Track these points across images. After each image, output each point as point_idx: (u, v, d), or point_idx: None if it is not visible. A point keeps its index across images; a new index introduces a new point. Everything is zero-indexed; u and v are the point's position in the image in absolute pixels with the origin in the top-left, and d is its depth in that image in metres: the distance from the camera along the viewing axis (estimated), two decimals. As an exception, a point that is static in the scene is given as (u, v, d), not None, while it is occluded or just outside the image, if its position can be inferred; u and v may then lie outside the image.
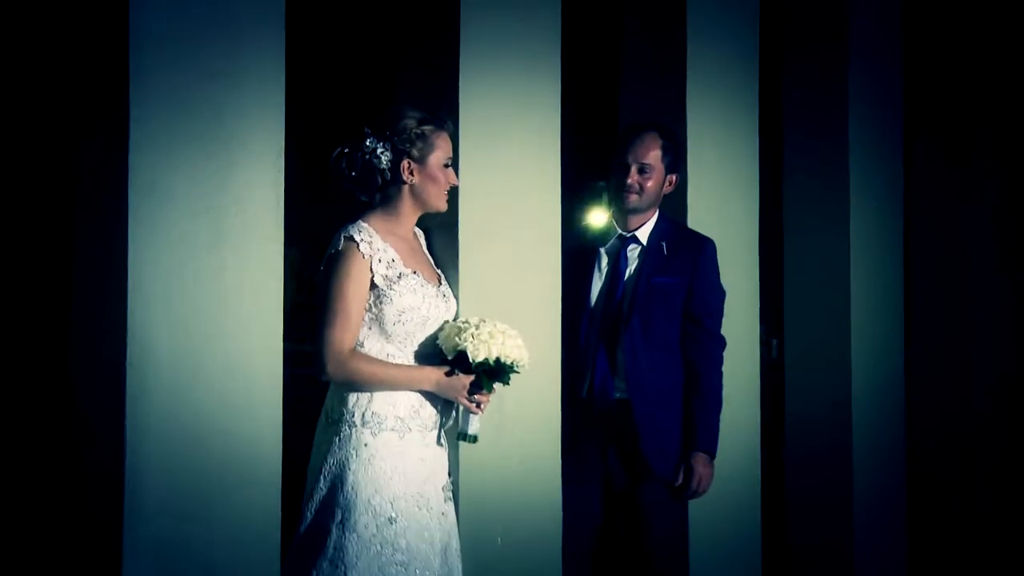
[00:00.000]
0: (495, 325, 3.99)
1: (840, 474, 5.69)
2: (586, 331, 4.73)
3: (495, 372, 3.97)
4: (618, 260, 4.80)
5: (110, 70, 3.61)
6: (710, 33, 5.26)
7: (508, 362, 3.97)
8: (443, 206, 4.04)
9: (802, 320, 5.91)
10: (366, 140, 3.95)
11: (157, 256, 3.58)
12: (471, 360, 3.92)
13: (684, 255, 4.78)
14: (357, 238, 3.86)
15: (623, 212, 4.82)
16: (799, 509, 5.84)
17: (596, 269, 4.82)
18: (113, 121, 3.59)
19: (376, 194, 3.99)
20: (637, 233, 4.82)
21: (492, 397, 4.00)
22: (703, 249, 4.81)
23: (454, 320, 4.06)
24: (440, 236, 4.29)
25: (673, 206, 4.98)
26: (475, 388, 3.96)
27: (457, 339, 3.95)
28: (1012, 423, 6.63)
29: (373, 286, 3.88)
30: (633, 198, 4.78)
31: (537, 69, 4.59)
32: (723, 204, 5.33)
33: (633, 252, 4.81)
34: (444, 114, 4.05)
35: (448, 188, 4.03)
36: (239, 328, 3.75)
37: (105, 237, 3.61)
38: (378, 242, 3.90)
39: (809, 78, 5.90)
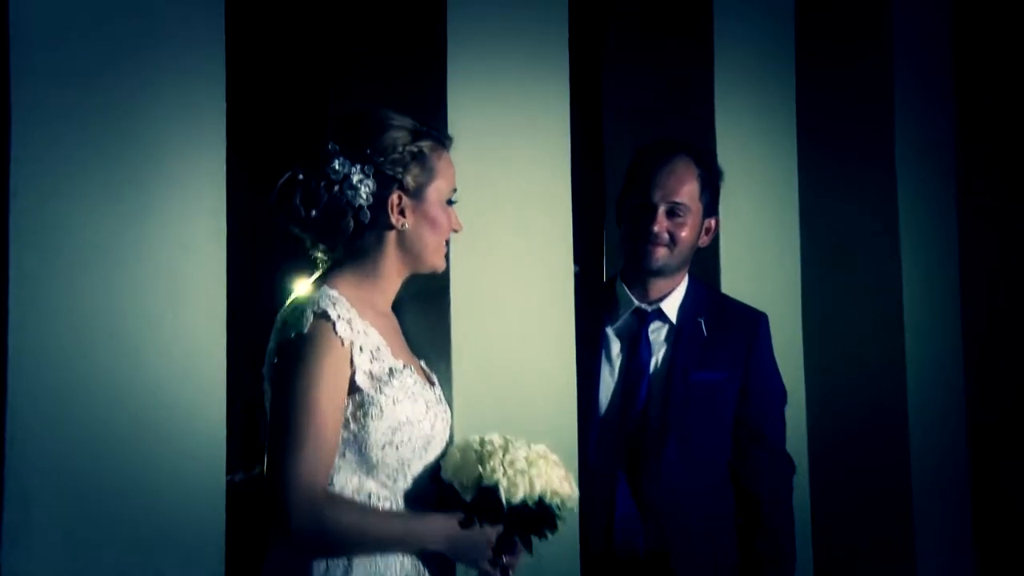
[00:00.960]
0: (530, 447, 2.62)
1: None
2: (596, 453, 3.32)
3: (535, 519, 2.58)
4: (637, 346, 3.42)
5: None
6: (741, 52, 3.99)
7: (554, 502, 2.60)
8: (441, 263, 2.69)
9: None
10: (332, 162, 2.57)
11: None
12: (504, 501, 2.54)
13: (733, 338, 3.43)
14: (332, 314, 2.49)
15: (643, 274, 3.44)
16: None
17: (604, 359, 3.43)
18: None
19: (344, 245, 2.62)
20: (662, 305, 3.44)
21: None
22: (756, 329, 3.46)
23: (456, 440, 2.67)
24: (416, 308, 2.91)
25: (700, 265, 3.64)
26: (506, 544, 2.58)
27: (481, 468, 2.57)
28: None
29: (354, 389, 2.50)
30: (661, 253, 3.41)
31: (542, 88, 3.32)
32: (763, 259, 3.97)
33: (658, 333, 3.44)
34: (440, 125, 2.70)
35: (449, 235, 2.70)
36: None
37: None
38: (357, 321, 2.53)
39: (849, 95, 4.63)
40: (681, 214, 3.40)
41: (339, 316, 2.47)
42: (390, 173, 2.58)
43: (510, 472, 2.55)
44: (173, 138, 2.68)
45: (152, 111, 2.67)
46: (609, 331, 3.44)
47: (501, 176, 3.15)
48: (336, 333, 2.46)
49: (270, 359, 2.51)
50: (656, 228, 3.38)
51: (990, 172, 5.30)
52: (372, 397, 2.49)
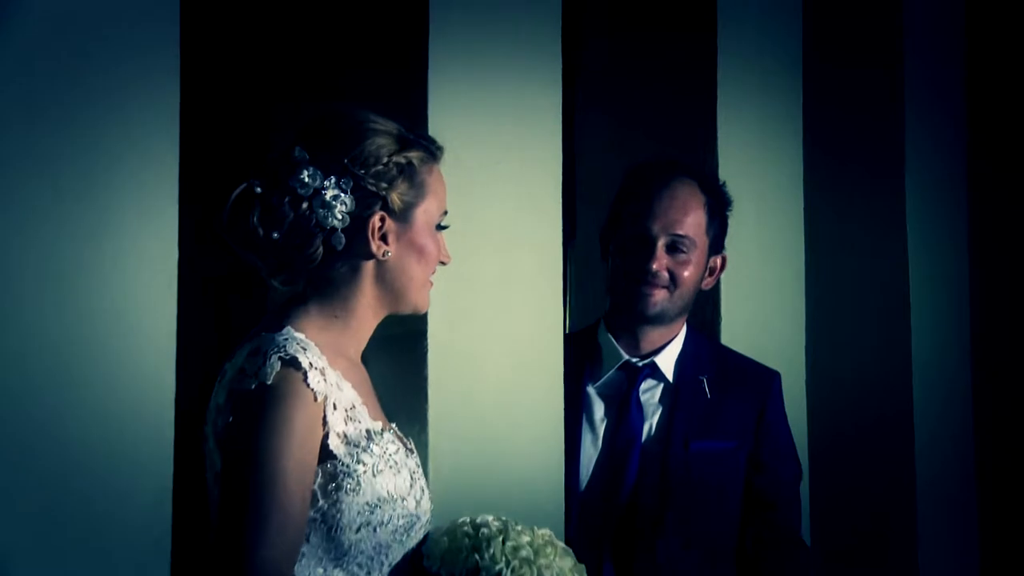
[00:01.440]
0: (533, 531, 2.14)
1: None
2: (577, 538, 2.78)
3: (541, 624, 2.11)
4: (626, 409, 2.90)
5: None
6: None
7: None
8: (424, 302, 2.21)
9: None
10: (300, 172, 2.08)
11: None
12: None
13: (741, 400, 2.92)
14: (303, 362, 2.00)
15: (635, 321, 2.93)
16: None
17: (585, 425, 2.90)
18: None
19: (310, 276, 2.13)
20: (657, 360, 2.92)
21: None
22: (769, 390, 2.96)
23: (435, 524, 2.19)
24: (386, 359, 2.44)
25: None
26: None
27: (478, 557, 2.08)
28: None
29: (325, 456, 2.01)
30: (660, 296, 2.90)
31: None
32: (767, 304, 3.48)
33: (652, 394, 2.93)
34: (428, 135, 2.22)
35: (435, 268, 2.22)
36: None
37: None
38: (330, 372, 2.05)
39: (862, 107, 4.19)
40: (685, 249, 2.89)
41: (311, 364, 1.98)
42: (372, 189, 2.08)
43: (514, 562, 2.06)
44: (125, 151, 2.30)
45: (104, 123, 2.28)
46: (591, 391, 2.92)
47: (485, 208, 2.68)
48: (308, 385, 1.97)
49: (217, 417, 2.00)
50: (654, 266, 2.85)
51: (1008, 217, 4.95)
52: (347, 466, 1.99)
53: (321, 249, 2.08)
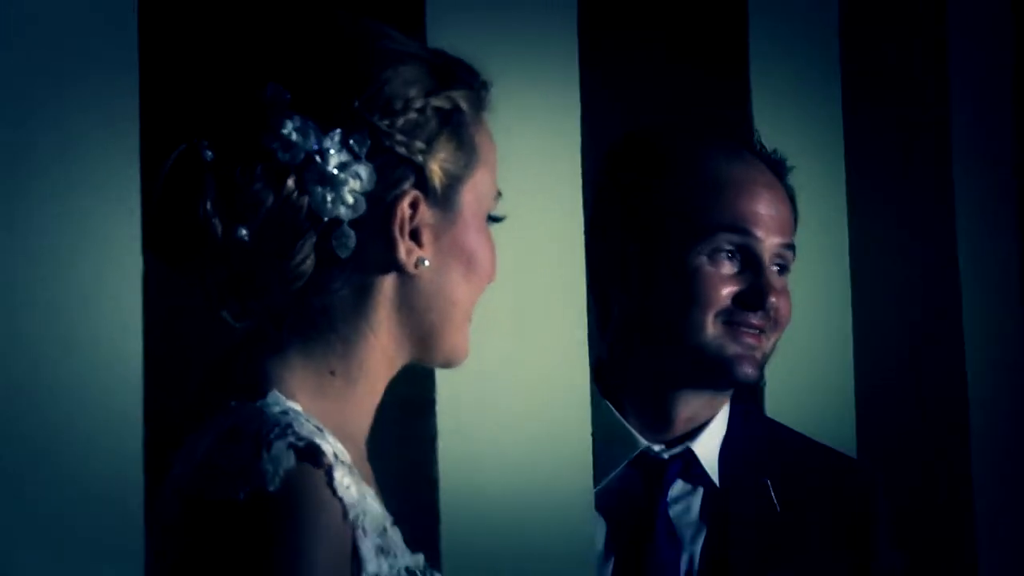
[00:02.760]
0: None
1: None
2: None
3: None
4: (648, 534, 1.96)
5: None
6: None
7: None
8: (465, 345, 1.41)
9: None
10: (282, 123, 1.30)
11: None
12: None
13: (826, 512, 2.02)
14: (327, 452, 1.23)
15: (679, 383, 2.02)
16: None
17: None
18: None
19: (294, 305, 1.34)
20: (694, 446, 1.99)
21: None
22: (870, 496, 2.06)
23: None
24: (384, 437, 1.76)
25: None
26: None
27: None
28: None
29: None
30: (763, 348, 1.99)
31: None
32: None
33: (686, 505, 2.00)
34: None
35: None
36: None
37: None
38: (355, 471, 1.29)
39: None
40: (789, 267, 2.00)
41: (336, 457, 1.24)
42: (402, 152, 1.31)
43: None
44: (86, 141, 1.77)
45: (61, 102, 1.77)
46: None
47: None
48: (335, 493, 1.22)
49: (165, 545, 1.27)
50: (772, 298, 1.93)
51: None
52: None
53: (312, 257, 1.29)
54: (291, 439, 1.21)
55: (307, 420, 1.26)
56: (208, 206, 1.28)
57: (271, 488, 1.18)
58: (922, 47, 3.54)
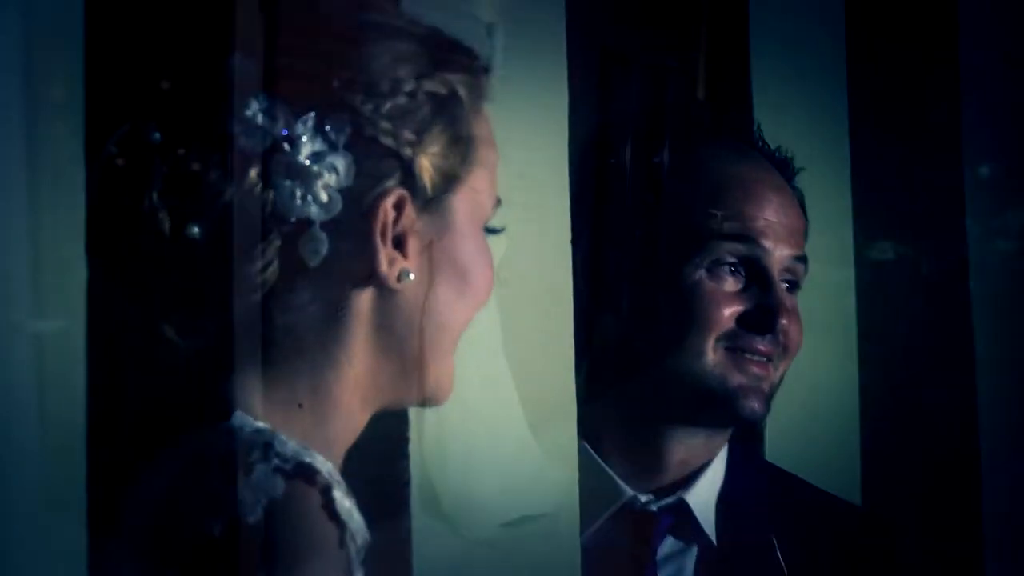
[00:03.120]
0: None
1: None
2: None
3: None
4: None
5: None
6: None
7: None
8: (449, 381, 1.24)
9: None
10: (246, 104, 1.11)
11: None
12: None
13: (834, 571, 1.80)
14: (319, 467, 1.10)
15: (673, 421, 1.80)
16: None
17: None
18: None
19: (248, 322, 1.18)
20: (687, 497, 1.78)
21: None
22: (889, 558, 1.84)
23: None
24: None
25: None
26: None
27: None
28: None
29: None
30: (770, 378, 1.77)
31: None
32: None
33: (678, 566, 1.77)
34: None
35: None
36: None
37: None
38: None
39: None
40: (800, 283, 1.81)
41: (331, 475, 1.09)
42: (388, 143, 1.16)
43: None
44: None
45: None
46: None
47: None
48: (335, 511, 1.06)
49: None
50: (784, 319, 1.73)
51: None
52: None
53: (276, 264, 1.14)
54: (275, 461, 1.05)
55: (287, 439, 1.11)
56: (154, 197, 1.13)
57: (251, 519, 1.02)
58: (932, 47, 3.46)
